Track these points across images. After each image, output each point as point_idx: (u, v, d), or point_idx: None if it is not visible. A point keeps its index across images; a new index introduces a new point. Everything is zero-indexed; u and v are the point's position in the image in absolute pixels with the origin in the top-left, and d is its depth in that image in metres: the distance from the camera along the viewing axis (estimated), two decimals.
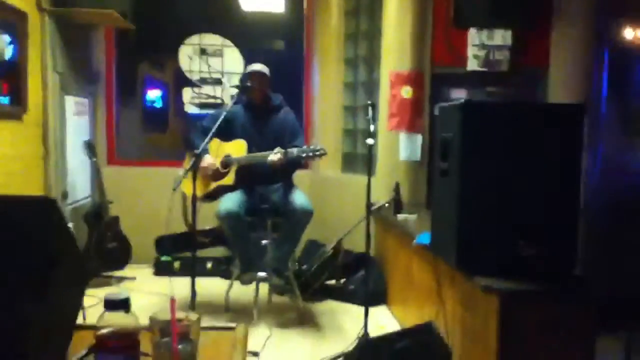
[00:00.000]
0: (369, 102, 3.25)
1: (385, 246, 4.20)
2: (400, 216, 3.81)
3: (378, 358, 2.58)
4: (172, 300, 1.09)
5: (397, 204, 3.95)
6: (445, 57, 4.45)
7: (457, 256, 2.42)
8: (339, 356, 2.96)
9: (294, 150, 3.41)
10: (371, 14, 4.86)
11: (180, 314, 1.16)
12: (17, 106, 3.79)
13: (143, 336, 1.13)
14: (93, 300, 3.94)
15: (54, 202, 1.24)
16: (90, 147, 4.55)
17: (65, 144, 4.38)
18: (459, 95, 4.66)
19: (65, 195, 4.36)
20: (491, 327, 2.27)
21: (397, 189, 4.02)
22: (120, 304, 1.08)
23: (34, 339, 1.08)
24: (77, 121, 4.65)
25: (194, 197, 3.04)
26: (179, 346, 1.10)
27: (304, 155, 3.39)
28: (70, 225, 3.57)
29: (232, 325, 1.51)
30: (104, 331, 1.06)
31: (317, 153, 3.38)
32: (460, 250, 2.41)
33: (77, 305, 1.32)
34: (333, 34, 5.07)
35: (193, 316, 1.19)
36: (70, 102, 4.51)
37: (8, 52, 3.72)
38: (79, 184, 4.66)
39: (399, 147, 4.42)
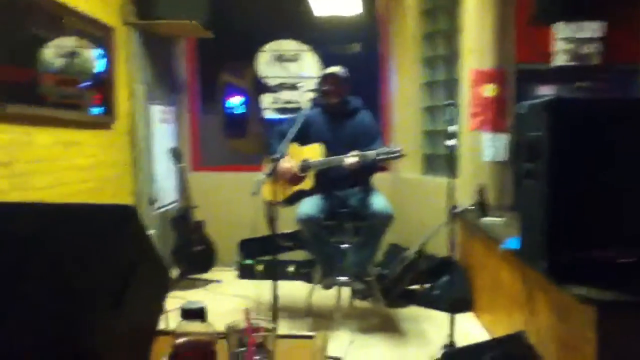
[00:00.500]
0: (449, 102, 3.14)
1: (470, 251, 4.04)
2: (486, 220, 3.64)
3: None
4: (246, 311, 1.07)
5: (482, 207, 3.79)
6: (529, 53, 4.24)
7: (549, 263, 2.26)
8: None
9: (371, 153, 3.34)
10: (449, 12, 4.72)
11: (257, 323, 1.14)
12: (108, 116, 3.99)
13: (220, 345, 1.11)
14: (179, 303, 4.07)
15: (134, 210, 1.25)
16: (176, 154, 4.71)
17: (152, 151, 4.56)
18: (546, 91, 4.41)
19: (152, 201, 4.53)
20: (588, 340, 2.10)
21: (481, 191, 3.85)
22: (197, 314, 1.07)
23: (112, 346, 1.08)
24: (162, 129, 4.83)
25: (273, 202, 3.05)
26: (255, 357, 1.07)
27: (381, 157, 3.32)
28: (152, 232, 3.70)
29: (312, 333, 1.47)
30: (180, 340, 1.05)
31: (395, 155, 3.30)
32: (552, 257, 2.25)
33: (158, 312, 1.33)
34: (409, 34, 4.97)
35: (270, 325, 1.16)
36: (156, 110, 4.69)
37: (100, 65, 3.92)
38: (165, 190, 4.84)
39: (482, 148, 4.24)
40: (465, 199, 4.07)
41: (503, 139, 4.23)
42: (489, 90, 4.25)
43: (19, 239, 1.08)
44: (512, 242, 2.84)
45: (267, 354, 1.11)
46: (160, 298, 1.35)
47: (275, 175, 3.15)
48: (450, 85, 4.73)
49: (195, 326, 1.07)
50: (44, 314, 1.00)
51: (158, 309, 1.32)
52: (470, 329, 3.57)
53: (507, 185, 4.22)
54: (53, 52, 3.33)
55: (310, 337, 1.46)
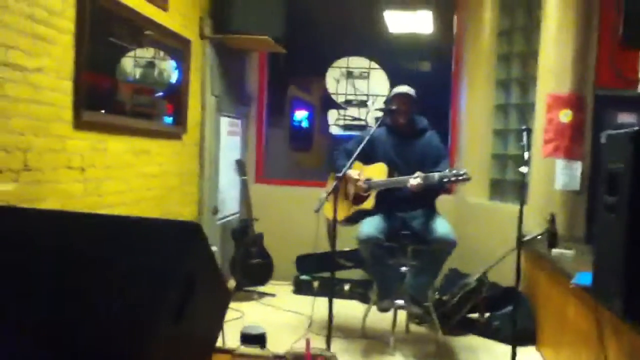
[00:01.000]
0: (524, 127, 3.03)
1: (536, 282, 3.87)
2: (555, 251, 3.48)
3: None
4: (307, 340, 1.04)
5: (551, 237, 3.62)
6: (610, 79, 4.04)
7: (625, 305, 2.11)
8: None
9: (435, 175, 3.27)
10: (527, 33, 4.58)
11: (316, 351, 1.11)
12: (179, 126, 4.09)
13: None
14: (236, 314, 4.11)
15: (199, 226, 1.26)
16: (240, 166, 4.77)
17: (218, 162, 4.65)
18: (626, 119, 4.19)
19: (215, 211, 4.61)
20: None
21: (552, 220, 3.68)
22: (256, 339, 1.05)
23: (171, 358, 1.08)
24: (229, 140, 4.92)
25: (334, 220, 3.03)
26: None
27: (445, 180, 3.24)
28: (215, 249, 3.75)
29: None
30: None
31: (460, 178, 3.21)
32: (629, 299, 2.10)
33: (218, 328, 1.33)
34: (484, 54, 4.85)
35: (329, 354, 1.13)
36: (225, 122, 4.78)
37: (174, 77, 4.04)
38: (228, 201, 4.91)
39: (554, 175, 4.07)
40: (533, 228, 3.91)
41: (577, 167, 4.04)
42: (564, 116, 4.08)
43: (82, 252, 1.11)
44: (584, 278, 2.68)
45: None
46: (220, 314, 1.35)
47: (342, 186, 3.10)
48: (524, 109, 4.58)
49: (254, 350, 1.05)
50: (106, 327, 1.02)
51: (217, 325, 1.32)
52: None
53: (579, 216, 4.03)
54: (132, 63, 3.46)
55: None
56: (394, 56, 5.38)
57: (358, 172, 3.58)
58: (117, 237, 1.17)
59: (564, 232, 3.95)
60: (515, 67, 4.70)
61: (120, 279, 1.08)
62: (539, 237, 3.71)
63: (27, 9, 2.50)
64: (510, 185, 4.62)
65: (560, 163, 4.05)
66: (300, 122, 5.95)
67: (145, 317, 1.03)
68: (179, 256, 1.13)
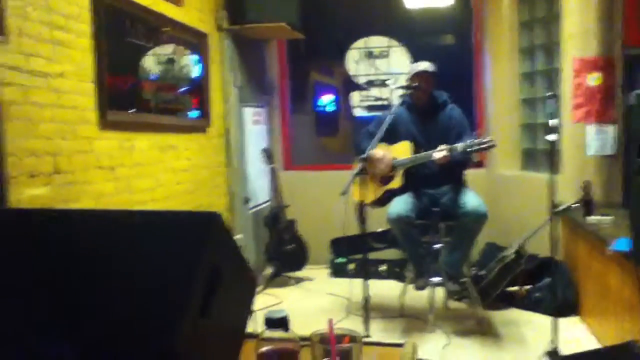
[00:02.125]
0: (549, 93, 2.95)
1: (575, 251, 3.79)
2: (592, 218, 3.39)
3: None
4: (330, 321, 1.05)
5: (587, 205, 3.53)
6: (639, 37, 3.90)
7: None
8: None
9: (459, 145, 3.22)
10: None
11: (343, 332, 1.11)
12: (204, 119, 4.13)
13: (304, 353, 1.10)
14: (274, 300, 4.16)
15: (219, 217, 1.26)
16: (268, 154, 4.80)
17: (245, 152, 4.68)
18: None
19: (246, 201, 4.65)
20: None
21: (587, 187, 3.58)
22: (279, 323, 1.06)
23: (200, 352, 1.10)
24: (255, 130, 4.94)
25: (362, 202, 3.02)
26: None
27: (470, 149, 3.19)
28: (239, 237, 3.78)
29: (401, 342, 1.43)
30: (264, 349, 1.05)
31: (485, 145, 3.15)
32: None
33: (246, 317, 1.34)
34: (505, 23, 4.73)
35: (355, 334, 1.13)
36: (249, 112, 4.80)
37: (196, 71, 4.07)
38: (258, 190, 4.95)
39: (587, 141, 3.96)
40: (568, 196, 3.82)
41: (610, 132, 3.93)
42: (593, 79, 3.96)
43: (107, 247, 1.13)
44: (622, 243, 2.62)
45: None
46: (248, 303, 1.36)
47: (364, 176, 3.10)
48: (551, 76, 4.46)
49: (279, 334, 1.06)
50: (132, 319, 1.04)
51: (245, 314, 1.34)
52: (576, 335, 3.35)
53: (615, 181, 3.92)
54: (153, 60, 3.49)
55: (399, 345, 1.41)
56: (413, 32, 5.30)
57: (382, 152, 3.56)
58: (138, 232, 1.19)
59: (601, 199, 3.85)
60: (539, 33, 4.58)
61: (144, 274, 1.10)
62: (573, 206, 3.63)
63: (46, 17, 2.55)
64: (542, 155, 4.51)
65: (591, 128, 3.94)
66: (325, 106, 5.93)
67: (171, 311, 1.04)
68: (201, 248, 1.14)
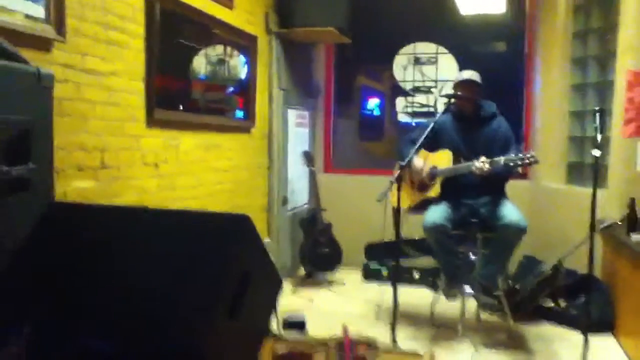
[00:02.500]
0: (597, 108, 2.89)
1: (615, 269, 3.69)
2: (635, 236, 3.30)
3: None
4: (344, 328, 1.08)
5: (631, 222, 3.44)
6: None
7: None
8: None
9: (502, 159, 3.19)
10: (605, 8, 4.32)
11: (361, 339, 1.15)
12: (249, 120, 4.22)
13: (320, 355, 1.14)
14: (306, 302, 4.21)
15: (248, 219, 1.31)
16: (308, 157, 4.85)
17: (287, 154, 4.75)
18: None
19: (285, 202, 4.72)
20: None
21: (632, 204, 3.50)
22: (297, 325, 1.11)
23: (225, 350, 1.15)
24: (298, 132, 5.01)
25: (398, 209, 3.02)
26: None
27: (511, 164, 3.15)
28: (267, 240, 3.84)
29: (419, 352, 1.45)
30: (281, 351, 1.09)
31: (527, 161, 3.11)
32: None
33: (269, 317, 1.38)
34: (559, 32, 4.63)
35: (370, 340, 1.16)
36: (292, 115, 4.87)
37: (243, 72, 4.16)
38: (297, 191, 5.01)
39: (637, 157, 3.84)
40: (613, 213, 3.72)
41: None
42: None
43: (141, 246, 1.20)
44: None
45: None
46: (272, 304, 1.41)
47: (407, 175, 3.09)
48: (603, 88, 4.34)
49: (296, 336, 1.10)
50: (163, 319, 1.09)
51: (269, 315, 1.38)
52: (610, 354, 3.27)
53: None
54: (203, 61, 3.60)
55: (417, 355, 1.44)
56: (463, 39, 5.25)
57: (423, 160, 3.55)
58: (170, 230, 1.25)
59: None
60: (593, 44, 4.46)
61: (176, 274, 1.16)
62: (618, 222, 3.54)
63: (102, 18, 2.67)
64: (588, 169, 4.40)
65: None
66: (371, 110, 5.94)
67: (201, 313, 1.09)
68: (231, 251, 1.19)
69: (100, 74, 2.67)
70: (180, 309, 1.13)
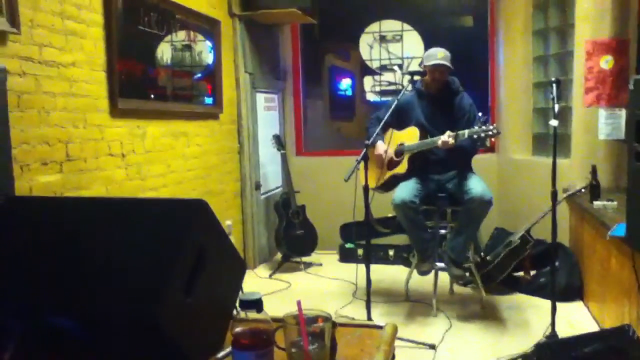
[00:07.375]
0: (553, 79, 2.94)
1: (581, 236, 3.80)
2: (597, 203, 3.40)
3: None
4: (298, 303, 1.11)
5: (593, 190, 3.54)
6: None
7: None
8: (517, 357, 2.76)
9: (465, 132, 3.25)
10: None
11: (318, 314, 1.18)
12: (217, 106, 4.21)
13: (280, 334, 1.17)
14: (283, 285, 4.25)
15: (205, 203, 1.34)
16: (278, 140, 4.86)
17: (257, 138, 4.75)
18: None
19: (258, 186, 4.73)
20: None
21: (593, 172, 3.59)
22: (254, 304, 1.13)
23: (186, 327, 1.18)
24: (267, 116, 5.00)
25: (366, 187, 3.07)
26: (311, 347, 1.11)
27: (475, 136, 3.21)
28: (229, 223, 3.86)
29: (381, 324, 1.49)
30: (240, 329, 1.12)
31: (490, 132, 3.17)
32: None
33: (233, 298, 1.41)
34: (520, 5, 4.69)
35: (326, 314, 1.19)
36: (261, 98, 4.86)
37: (210, 58, 4.14)
38: (270, 175, 5.03)
39: (598, 125, 3.94)
40: (577, 181, 3.82)
41: (621, 115, 3.89)
42: (605, 62, 3.92)
43: (103, 232, 1.23)
44: (621, 229, 2.63)
45: (323, 344, 1.15)
46: (235, 285, 1.44)
47: (367, 161, 3.14)
48: (563, 59, 4.42)
49: (253, 315, 1.13)
50: (123, 296, 1.13)
51: (233, 296, 1.41)
52: (579, 319, 3.38)
53: (625, 167, 3.89)
54: (168, 48, 3.57)
55: (379, 327, 1.48)
56: (428, 15, 5.27)
57: (386, 144, 3.58)
58: (129, 216, 1.28)
59: (612, 184, 3.84)
60: (553, 16, 4.53)
61: (135, 255, 1.19)
62: (582, 190, 3.63)
63: (58, 7, 2.64)
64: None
65: (603, 112, 3.91)
66: (343, 90, 5.93)
67: (155, 287, 1.13)
68: (186, 230, 1.22)
69: (60, 65, 2.64)
70: (138, 285, 1.18)
